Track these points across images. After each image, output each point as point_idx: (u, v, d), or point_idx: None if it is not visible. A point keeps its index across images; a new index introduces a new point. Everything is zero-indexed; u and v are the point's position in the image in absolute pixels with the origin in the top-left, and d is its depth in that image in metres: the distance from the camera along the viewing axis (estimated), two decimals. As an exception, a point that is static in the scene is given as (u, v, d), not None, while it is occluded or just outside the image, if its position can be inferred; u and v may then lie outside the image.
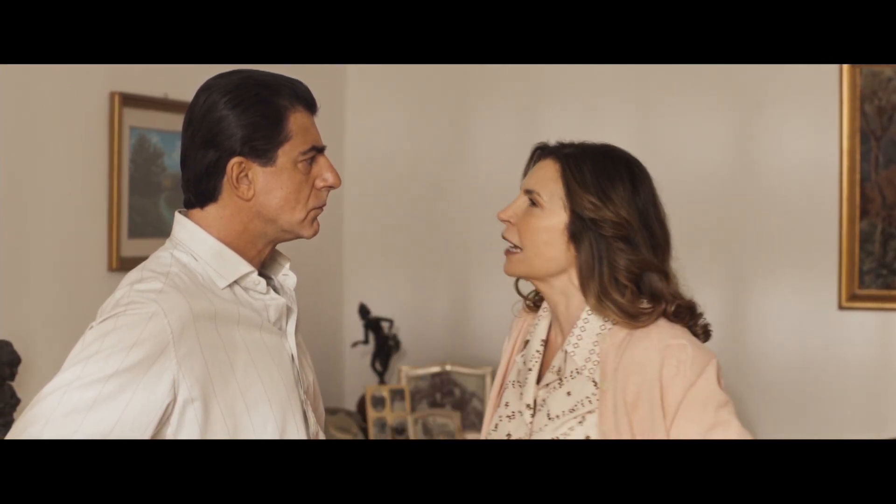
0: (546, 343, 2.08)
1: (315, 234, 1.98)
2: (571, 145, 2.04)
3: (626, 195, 1.98)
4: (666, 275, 1.99)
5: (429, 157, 4.38)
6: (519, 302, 2.18)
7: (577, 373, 1.98)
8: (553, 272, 2.01)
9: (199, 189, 1.93)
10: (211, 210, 1.94)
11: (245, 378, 1.89)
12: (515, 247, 2.02)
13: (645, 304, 1.96)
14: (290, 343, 2.00)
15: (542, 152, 2.07)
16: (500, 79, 4.23)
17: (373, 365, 4.27)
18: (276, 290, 2.02)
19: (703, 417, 1.89)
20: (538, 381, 2.04)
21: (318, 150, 1.96)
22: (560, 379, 1.99)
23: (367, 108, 4.45)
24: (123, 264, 3.33)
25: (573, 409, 1.96)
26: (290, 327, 2.01)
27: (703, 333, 2.02)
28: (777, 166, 3.92)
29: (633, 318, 1.95)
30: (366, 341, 4.31)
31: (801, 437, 3.76)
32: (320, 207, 1.97)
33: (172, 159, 3.49)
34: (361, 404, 4.12)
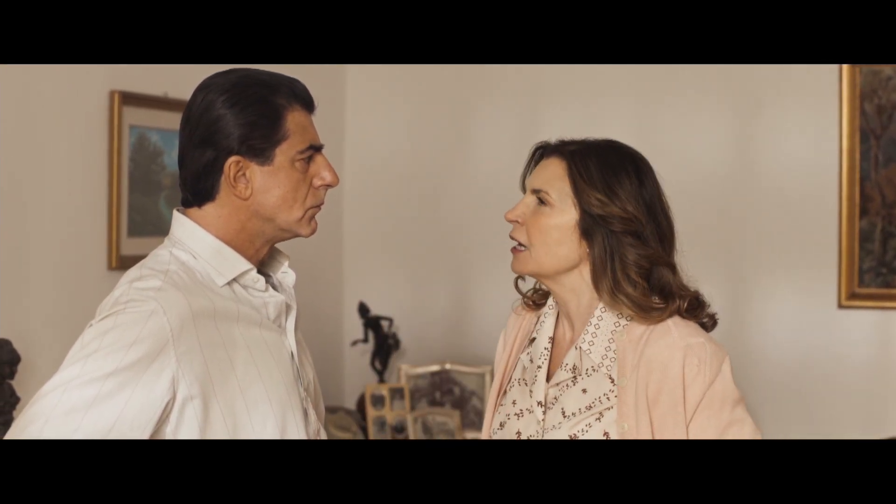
0: (552, 340, 2.08)
1: (313, 232, 1.98)
2: (574, 142, 2.05)
3: (632, 189, 1.99)
4: (674, 267, 2.01)
5: (429, 156, 4.38)
6: (518, 299, 2.19)
7: (594, 370, 1.98)
8: (563, 269, 2.01)
9: (197, 188, 1.93)
10: (209, 209, 1.94)
11: (245, 376, 1.89)
12: (521, 244, 2.03)
13: (657, 300, 1.97)
14: (290, 340, 2.00)
15: (544, 151, 2.07)
16: (500, 79, 4.23)
17: (372, 363, 4.28)
18: (274, 288, 2.02)
19: (720, 415, 1.93)
20: (548, 378, 2.04)
21: (316, 148, 1.96)
22: (575, 377, 2.00)
23: (367, 108, 4.45)
24: (123, 263, 3.33)
25: (590, 407, 1.96)
26: (290, 324, 2.01)
27: (711, 323, 2.05)
28: (777, 166, 3.92)
29: (645, 311, 1.96)
30: (365, 340, 4.31)
31: (801, 435, 3.76)
32: (318, 206, 1.97)
33: (172, 158, 3.49)
34: (361, 403, 4.12)
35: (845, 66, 3.78)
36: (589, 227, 1.98)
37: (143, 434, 1.79)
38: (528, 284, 2.16)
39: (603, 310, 1.99)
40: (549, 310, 2.10)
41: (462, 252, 4.28)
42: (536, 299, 2.15)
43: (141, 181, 3.48)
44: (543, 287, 2.12)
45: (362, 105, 4.45)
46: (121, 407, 1.77)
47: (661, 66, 3.90)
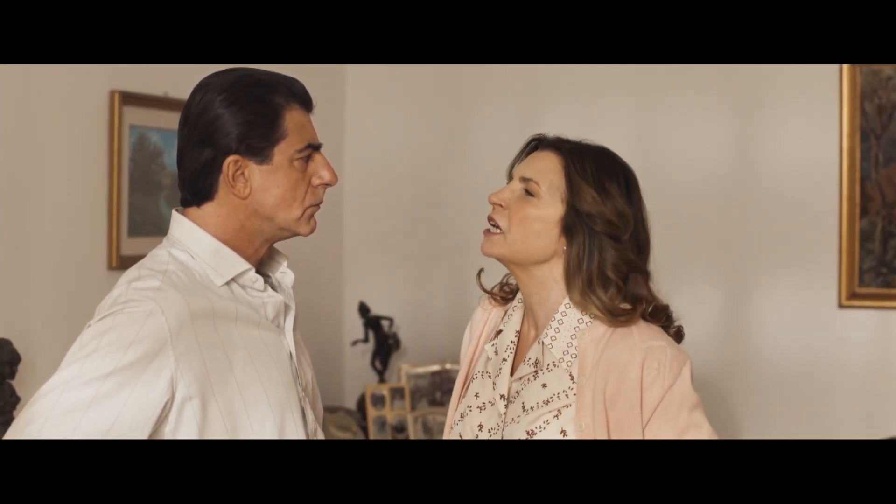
0: (519, 335, 2.09)
1: (312, 231, 1.99)
2: (570, 141, 2.08)
3: (621, 196, 2.02)
4: (648, 278, 2.04)
5: (429, 156, 4.38)
6: (483, 295, 2.20)
7: (554, 365, 2.00)
8: (535, 261, 2.03)
9: (196, 187, 1.93)
10: (208, 208, 1.94)
11: (243, 376, 1.89)
12: (497, 227, 2.04)
13: (625, 305, 1.99)
14: (289, 340, 2.00)
15: (539, 143, 2.09)
16: (500, 79, 4.23)
17: (373, 363, 4.28)
18: (273, 288, 2.02)
19: (678, 419, 1.94)
20: (512, 372, 2.05)
21: (315, 147, 1.96)
22: (536, 371, 2.02)
23: (367, 108, 4.45)
24: (123, 263, 3.33)
25: (548, 402, 1.98)
26: (288, 325, 2.01)
27: (676, 334, 2.07)
28: (777, 166, 3.92)
29: (613, 315, 1.98)
30: (366, 340, 4.31)
31: (801, 435, 3.76)
32: (317, 205, 1.98)
33: (172, 158, 3.46)
34: (361, 403, 4.12)
35: (845, 66, 3.78)
36: (572, 223, 2.00)
37: (141, 434, 1.79)
38: (491, 281, 2.18)
39: (567, 306, 2.01)
40: (518, 303, 2.12)
41: (462, 252, 4.28)
42: (504, 294, 2.17)
43: (141, 181, 3.48)
44: (511, 282, 2.14)
45: (362, 105, 4.45)
46: (119, 407, 1.77)
47: (661, 66, 3.90)
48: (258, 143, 1.90)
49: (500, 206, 2.04)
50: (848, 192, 3.80)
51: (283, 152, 1.92)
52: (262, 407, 1.91)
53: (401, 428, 4.01)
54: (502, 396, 2.04)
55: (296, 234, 1.98)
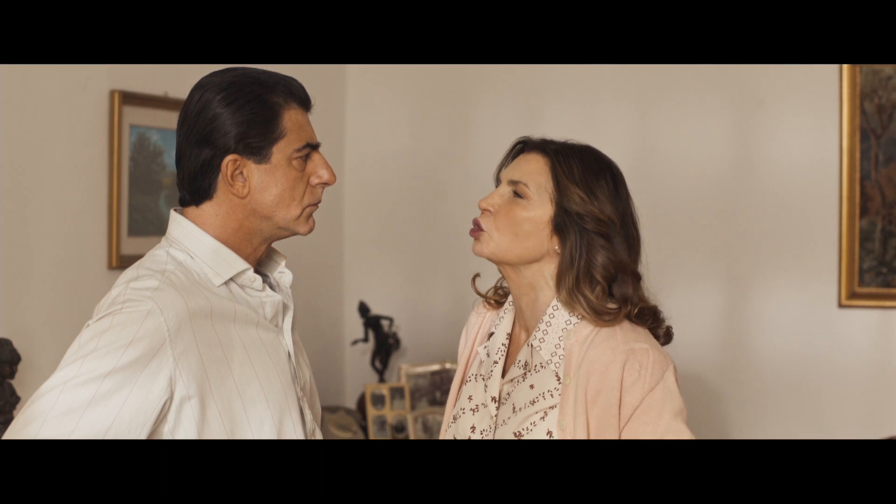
0: (510, 338, 2.10)
1: (311, 230, 1.99)
2: (555, 142, 2.09)
3: (609, 194, 2.03)
4: (638, 278, 2.04)
5: (429, 156, 4.38)
6: (477, 299, 2.22)
7: (542, 367, 2.01)
8: (526, 260, 2.04)
9: (195, 187, 1.93)
10: (206, 208, 1.94)
11: (242, 375, 1.89)
12: (481, 228, 2.04)
13: (612, 305, 2.00)
14: (287, 340, 2.01)
15: (525, 146, 2.10)
16: (500, 78, 4.23)
17: (373, 363, 4.28)
18: (272, 288, 2.02)
19: (657, 423, 1.93)
20: (503, 374, 2.06)
21: (313, 146, 1.97)
22: (525, 373, 2.03)
23: (367, 107, 4.45)
24: (123, 262, 3.33)
25: (534, 402, 1.99)
26: (287, 324, 2.01)
27: (665, 336, 2.07)
28: (777, 165, 3.92)
29: (598, 315, 1.98)
30: (366, 339, 4.31)
31: (801, 435, 3.76)
32: (316, 204, 1.98)
33: (172, 157, 3.45)
34: (361, 402, 4.13)
35: (845, 66, 3.78)
36: (563, 223, 2.01)
37: (140, 434, 1.79)
38: (486, 284, 2.19)
39: (555, 307, 2.02)
40: (510, 306, 2.13)
41: (462, 252, 4.27)
42: (497, 298, 2.19)
43: (141, 181, 3.48)
44: (505, 286, 2.15)
45: (362, 105, 4.45)
46: (118, 407, 1.77)
47: (661, 65, 3.90)
48: (257, 143, 1.90)
49: (489, 210, 2.06)
50: (848, 192, 3.80)
51: (281, 151, 1.92)
52: (261, 406, 1.91)
53: (401, 427, 4.01)
54: (494, 398, 2.05)
55: (294, 234, 1.99)
